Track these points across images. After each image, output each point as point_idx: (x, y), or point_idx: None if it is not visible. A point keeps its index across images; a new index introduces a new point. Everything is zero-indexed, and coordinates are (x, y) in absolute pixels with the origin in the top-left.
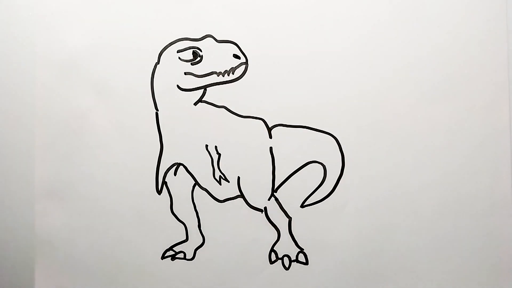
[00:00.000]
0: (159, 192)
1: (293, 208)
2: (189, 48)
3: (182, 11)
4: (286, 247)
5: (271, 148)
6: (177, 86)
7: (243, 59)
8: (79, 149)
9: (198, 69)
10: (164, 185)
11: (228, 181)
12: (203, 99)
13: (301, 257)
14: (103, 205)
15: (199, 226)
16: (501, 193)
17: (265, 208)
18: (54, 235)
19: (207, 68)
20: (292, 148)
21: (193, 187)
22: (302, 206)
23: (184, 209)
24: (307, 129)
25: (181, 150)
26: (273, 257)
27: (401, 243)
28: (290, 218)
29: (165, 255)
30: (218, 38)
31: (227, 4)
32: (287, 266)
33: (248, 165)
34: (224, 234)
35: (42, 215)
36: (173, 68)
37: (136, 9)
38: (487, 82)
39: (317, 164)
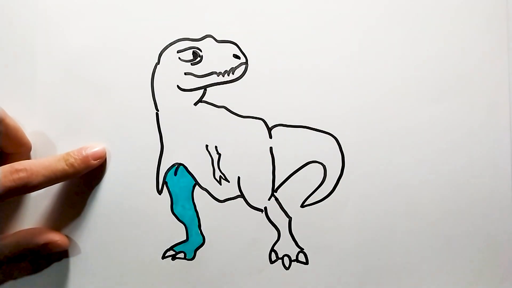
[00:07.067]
0: (159, 192)
1: (293, 208)
2: (189, 48)
3: (182, 11)
4: (286, 247)
5: (271, 148)
6: (177, 86)
7: (243, 59)
8: None
9: (198, 69)
10: (165, 185)
11: (228, 181)
12: (203, 99)
13: (301, 257)
14: (103, 205)
15: (199, 226)
16: (501, 193)
17: (265, 208)
18: None
19: (207, 68)
20: (292, 148)
21: (193, 187)
22: (302, 206)
23: (184, 209)
24: (307, 129)
25: (181, 150)
26: (273, 257)
27: (401, 243)
28: (290, 218)
29: (166, 255)
30: (218, 38)
31: (227, 4)
32: (287, 266)
33: (248, 165)
34: (224, 234)
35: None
36: (173, 68)
37: (136, 9)
38: (487, 82)
39: (317, 164)
